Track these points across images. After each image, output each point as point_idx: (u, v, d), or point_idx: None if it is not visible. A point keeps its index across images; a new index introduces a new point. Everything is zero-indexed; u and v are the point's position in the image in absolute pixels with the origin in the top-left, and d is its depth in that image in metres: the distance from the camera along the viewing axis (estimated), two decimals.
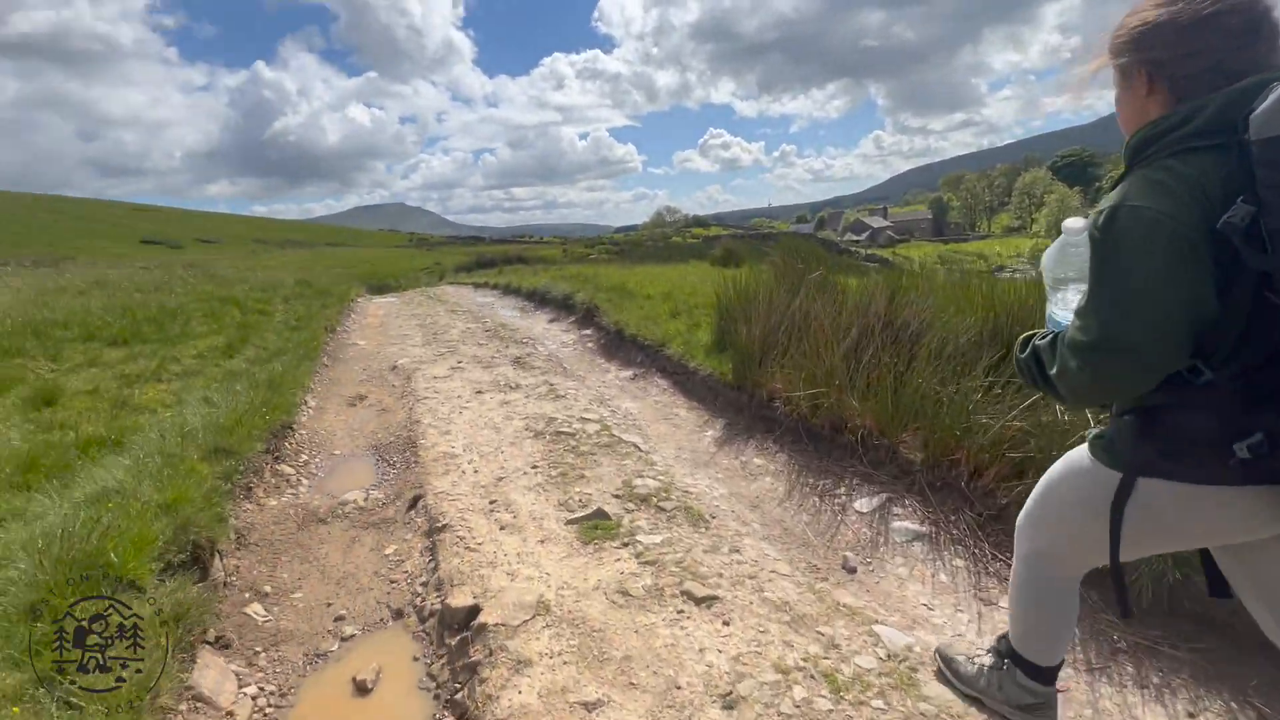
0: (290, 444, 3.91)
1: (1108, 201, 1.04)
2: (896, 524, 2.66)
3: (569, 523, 2.77)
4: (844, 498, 2.97)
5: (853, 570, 2.42)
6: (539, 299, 9.40)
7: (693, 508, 2.86)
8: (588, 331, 7.02)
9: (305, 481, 3.55)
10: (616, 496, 2.99)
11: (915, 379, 3.05)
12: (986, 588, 2.28)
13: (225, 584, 2.42)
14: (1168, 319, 0.98)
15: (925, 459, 2.82)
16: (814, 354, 3.60)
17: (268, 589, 2.49)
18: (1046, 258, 1.23)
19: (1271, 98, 0.92)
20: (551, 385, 4.93)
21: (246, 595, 2.42)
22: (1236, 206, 0.93)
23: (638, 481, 3.12)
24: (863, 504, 2.87)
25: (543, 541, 2.64)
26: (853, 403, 3.27)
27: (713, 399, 4.41)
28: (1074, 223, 1.16)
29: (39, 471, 2.77)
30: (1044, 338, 1.22)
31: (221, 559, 2.45)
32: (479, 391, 4.90)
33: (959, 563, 2.40)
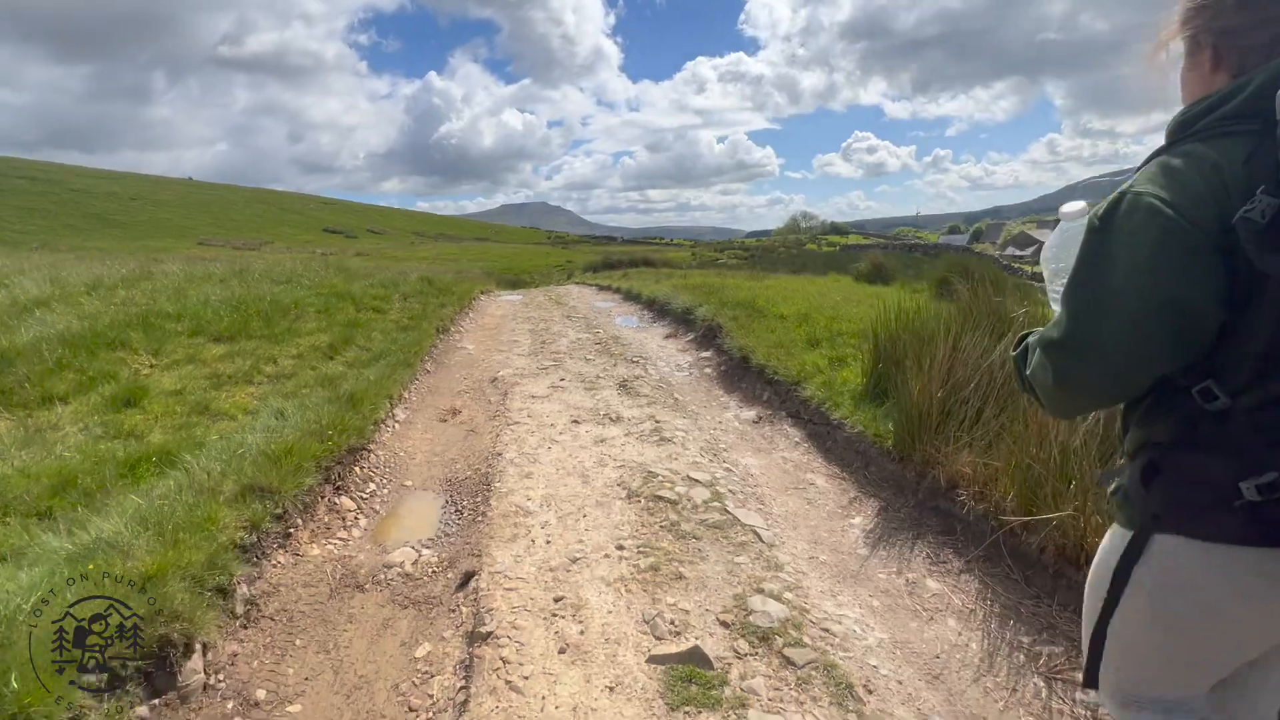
0: (361, 469, 3.47)
1: (1121, 188, 0.86)
2: None
3: (652, 660, 1.95)
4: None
5: None
6: (658, 309, 8.68)
7: (837, 667, 1.91)
8: (707, 354, 6.16)
9: (362, 521, 3.06)
10: (724, 624, 2.11)
11: None
12: None
13: (206, 687, 1.88)
14: (1144, 322, 0.80)
15: None
16: (1032, 433, 2.47)
17: (261, 695, 1.93)
18: (1047, 247, 1.06)
19: None
20: (658, 423, 4.14)
21: (230, 707, 1.86)
22: (1256, 199, 0.74)
23: (755, 600, 2.22)
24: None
25: (612, 689, 1.84)
26: (1102, 521, 2.12)
27: (862, 468, 3.37)
28: (1071, 206, 1.01)
29: (70, 495, 2.46)
30: None
31: (205, 652, 1.92)
32: (575, 421, 4.24)
33: None
